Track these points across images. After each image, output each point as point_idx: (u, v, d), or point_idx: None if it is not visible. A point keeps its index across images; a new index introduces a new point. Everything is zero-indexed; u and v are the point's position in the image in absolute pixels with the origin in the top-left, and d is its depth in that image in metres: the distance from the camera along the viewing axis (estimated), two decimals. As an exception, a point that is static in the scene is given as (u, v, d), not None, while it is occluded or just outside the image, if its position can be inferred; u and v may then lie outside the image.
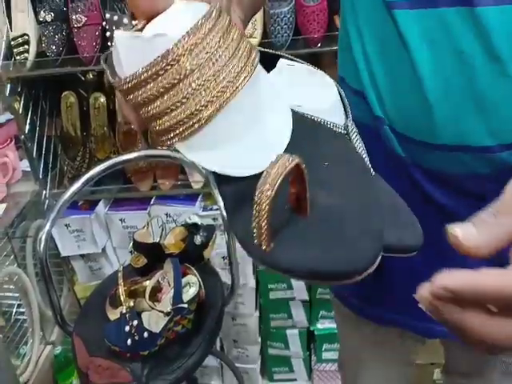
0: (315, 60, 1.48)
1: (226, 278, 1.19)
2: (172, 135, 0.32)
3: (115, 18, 1.24)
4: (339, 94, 0.38)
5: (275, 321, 1.49)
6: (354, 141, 0.35)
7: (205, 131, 0.32)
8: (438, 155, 0.47)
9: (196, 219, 1.28)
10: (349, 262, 0.28)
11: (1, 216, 1.19)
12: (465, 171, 0.47)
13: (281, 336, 1.50)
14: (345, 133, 0.36)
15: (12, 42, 1.28)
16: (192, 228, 1.19)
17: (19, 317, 1.31)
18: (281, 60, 0.39)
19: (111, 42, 1.23)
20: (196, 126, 0.31)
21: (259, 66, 0.34)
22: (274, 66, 0.39)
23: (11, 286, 1.25)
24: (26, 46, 1.29)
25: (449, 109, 0.44)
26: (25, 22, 1.30)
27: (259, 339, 1.51)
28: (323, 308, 1.47)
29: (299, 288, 1.44)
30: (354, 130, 0.36)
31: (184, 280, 0.99)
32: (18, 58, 1.28)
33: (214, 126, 0.32)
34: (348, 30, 0.50)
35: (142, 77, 0.30)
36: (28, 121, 1.31)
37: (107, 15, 1.24)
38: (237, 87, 0.31)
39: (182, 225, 1.23)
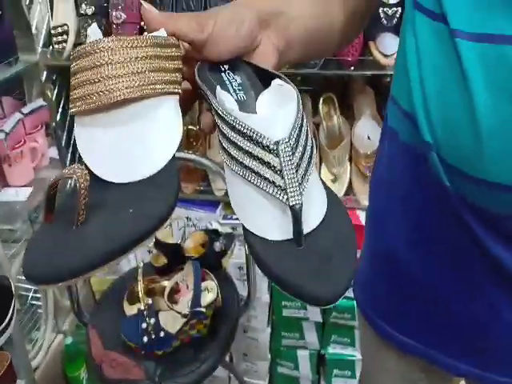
0: (347, 83, 1.52)
1: (240, 289, 1.21)
2: (77, 104, 0.40)
3: (155, 18, 1.28)
4: (298, 115, 0.40)
5: (286, 339, 1.52)
6: (282, 158, 0.37)
7: (96, 117, 0.41)
8: (485, 192, 0.47)
9: (217, 226, 1.30)
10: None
11: (26, 199, 1.22)
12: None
13: (291, 355, 1.53)
14: (274, 148, 0.37)
15: (52, 31, 1.34)
16: (212, 234, 1.22)
17: (34, 302, 1.37)
18: (275, 80, 0.44)
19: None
20: (94, 104, 0.40)
21: (164, 101, 0.43)
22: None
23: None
24: (65, 36, 1.35)
25: (502, 148, 0.44)
26: (66, 12, 1.37)
27: (269, 356, 1.53)
28: (336, 332, 1.48)
29: (313, 309, 1.45)
30: (288, 149, 0.38)
31: (203, 285, 1.02)
32: (56, 46, 1.33)
33: (104, 117, 0.41)
34: (406, 51, 0.51)
35: (82, 50, 0.41)
36: (60, 110, 1.36)
37: (147, 16, 1.28)
38: (128, 95, 0.40)
39: (203, 230, 1.26)
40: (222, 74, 0.47)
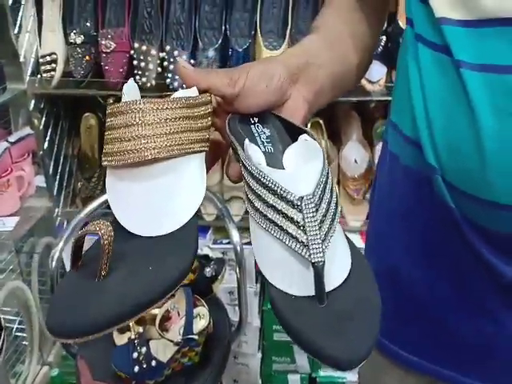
0: (333, 108, 1.56)
1: (231, 314, 1.20)
2: (108, 159, 0.43)
3: (143, 48, 1.31)
4: (323, 172, 0.40)
5: (277, 364, 1.52)
6: (306, 214, 0.37)
7: (127, 171, 0.43)
8: (490, 212, 0.48)
9: (208, 251, 1.30)
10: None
11: (12, 229, 1.21)
12: None
13: (282, 380, 1.52)
14: (298, 203, 0.38)
15: (40, 60, 1.34)
16: (203, 259, 1.21)
17: (18, 334, 1.35)
18: (302, 136, 0.45)
19: (137, 71, 1.29)
20: (124, 161, 0.42)
21: (192, 159, 0.44)
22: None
23: (14, 301, 1.29)
24: (54, 65, 1.37)
25: (506, 170, 0.45)
26: (54, 41, 1.39)
27: (260, 381, 1.53)
28: (327, 355, 1.47)
29: (304, 332, 1.44)
30: (311, 205, 0.38)
31: (195, 311, 1.01)
32: (44, 75, 1.34)
33: (133, 172, 0.43)
34: (410, 82, 0.53)
35: (115, 109, 0.43)
36: (47, 138, 1.36)
37: (136, 45, 1.31)
38: (158, 155, 0.42)
39: (193, 255, 1.25)
40: (252, 126, 0.49)
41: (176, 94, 0.46)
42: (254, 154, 0.42)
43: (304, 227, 0.37)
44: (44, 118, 1.38)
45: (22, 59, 1.35)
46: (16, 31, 1.35)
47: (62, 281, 0.41)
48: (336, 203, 0.41)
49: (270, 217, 0.39)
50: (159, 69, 1.31)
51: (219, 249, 1.42)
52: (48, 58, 1.35)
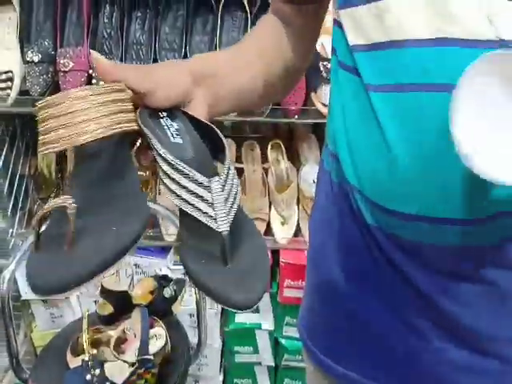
0: (293, 130, 1.62)
1: (192, 336, 1.20)
2: (46, 147, 0.47)
3: (103, 67, 1.31)
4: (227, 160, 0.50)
5: (239, 386, 1.50)
6: (215, 196, 0.46)
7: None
8: (400, 223, 0.53)
9: (167, 271, 1.30)
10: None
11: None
12: (426, 241, 0.53)
13: (244, 403, 1.51)
14: (208, 185, 0.46)
15: (-4, 77, 1.33)
16: (162, 280, 1.21)
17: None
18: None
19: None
20: (72, 144, 0.47)
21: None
22: None
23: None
24: (9, 83, 1.36)
25: (414, 178, 0.50)
26: (11, 59, 1.38)
27: (221, 404, 1.51)
28: (288, 375, 1.50)
29: (265, 353, 1.46)
30: (218, 188, 0.46)
31: (151, 332, 1.02)
32: (0, 93, 1.32)
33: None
34: (332, 102, 0.60)
35: (51, 101, 0.47)
36: (2, 157, 1.35)
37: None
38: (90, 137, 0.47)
39: (152, 276, 1.25)
40: (161, 119, 0.55)
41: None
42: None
43: (213, 204, 0.45)
44: (-1, 137, 1.38)
45: (-24, 76, 1.34)
46: (-30, 49, 1.35)
47: (30, 255, 0.44)
48: (237, 186, 0.49)
49: (183, 197, 0.46)
50: (118, 88, 1.33)
51: (180, 270, 1.43)
52: (4, 76, 1.35)
